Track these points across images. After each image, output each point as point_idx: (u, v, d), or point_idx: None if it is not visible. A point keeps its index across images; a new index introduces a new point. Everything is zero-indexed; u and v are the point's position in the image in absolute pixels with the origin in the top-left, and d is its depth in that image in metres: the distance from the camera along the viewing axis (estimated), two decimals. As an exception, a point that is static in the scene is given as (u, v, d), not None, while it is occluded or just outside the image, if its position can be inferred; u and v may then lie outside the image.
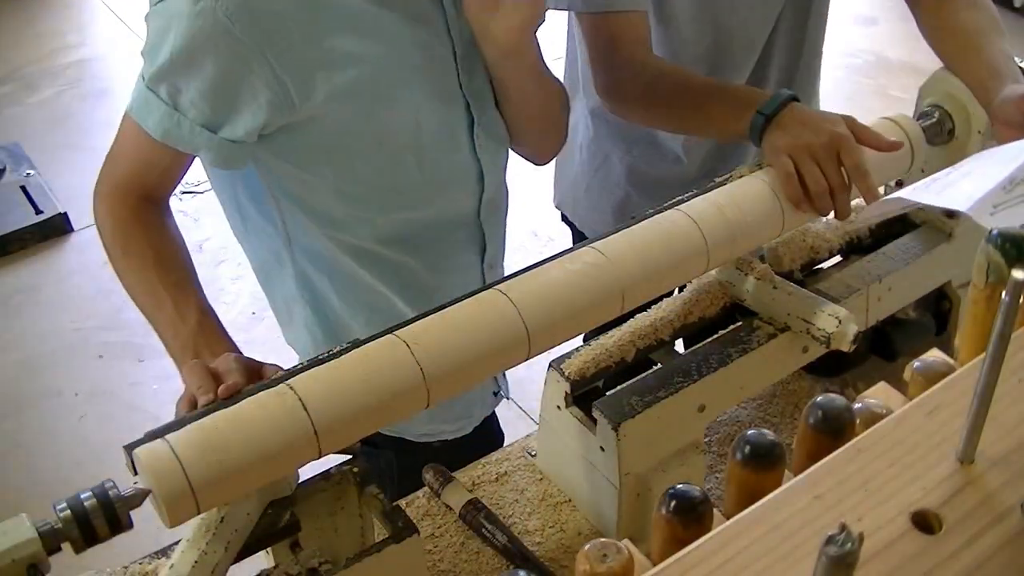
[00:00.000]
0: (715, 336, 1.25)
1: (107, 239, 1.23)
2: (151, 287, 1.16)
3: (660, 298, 1.22)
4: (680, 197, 1.19)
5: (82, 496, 0.86)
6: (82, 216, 3.41)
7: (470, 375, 0.99)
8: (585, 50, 1.51)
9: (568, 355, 1.21)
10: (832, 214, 1.23)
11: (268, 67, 1.11)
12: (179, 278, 1.18)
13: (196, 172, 1.29)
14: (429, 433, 1.49)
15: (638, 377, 1.20)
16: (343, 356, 0.96)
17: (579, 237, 1.88)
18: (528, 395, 2.52)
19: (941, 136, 1.35)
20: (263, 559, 1.04)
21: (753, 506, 0.68)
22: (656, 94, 1.42)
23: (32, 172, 3.57)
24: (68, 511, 0.85)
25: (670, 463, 1.19)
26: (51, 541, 0.84)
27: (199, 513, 0.87)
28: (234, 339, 1.14)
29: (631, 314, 1.21)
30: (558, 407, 1.22)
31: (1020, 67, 1.38)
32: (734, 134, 1.31)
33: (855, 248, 1.40)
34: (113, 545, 0.88)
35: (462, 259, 1.41)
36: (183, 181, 1.29)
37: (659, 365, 1.25)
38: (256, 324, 3.06)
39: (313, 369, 0.94)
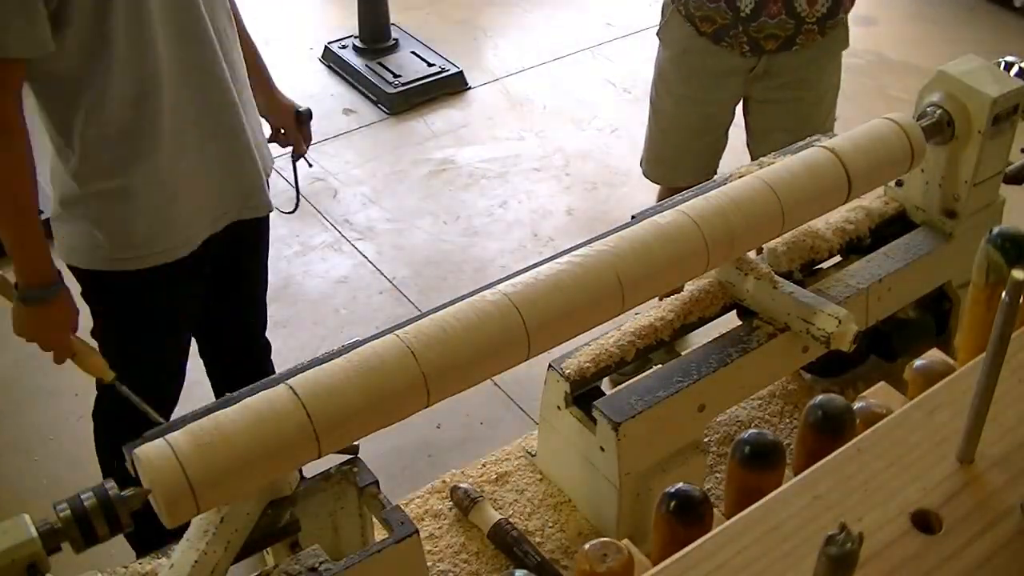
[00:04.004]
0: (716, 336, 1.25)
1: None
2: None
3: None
4: (680, 196, 1.19)
5: (82, 496, 0.86)
6: (82, 216, 3.41)
7: (470, 375, 0.99)
8: None
9: (568, 355, 1.21)
10: None
11: None
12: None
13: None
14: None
15: (638, 377, 1.20)
16: (343, 356, 0.96)
17: None
18: (528, 395, 2.53)
19: (941, 136, 1.35)
20: (263, 559, 1.05)
21: (753, 506, 0.68)
22: None
23: (32, 172, 3.58)
24: (68, 511, 0.85)
25: (670, 463, 1.19)
26: (51, 541, 0.84)
27: (199, 513, 0.87)
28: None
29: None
30: (558, 407, 1.22)
31: (1021, 67, 1.38)
32: None
33: (855, 248, 1.40)
34: (113, 545, 0.88)
35: None
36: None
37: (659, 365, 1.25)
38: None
39: (313, 369, 0.94)
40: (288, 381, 0.92)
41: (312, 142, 1.99)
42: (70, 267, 1.67)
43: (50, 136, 1.53)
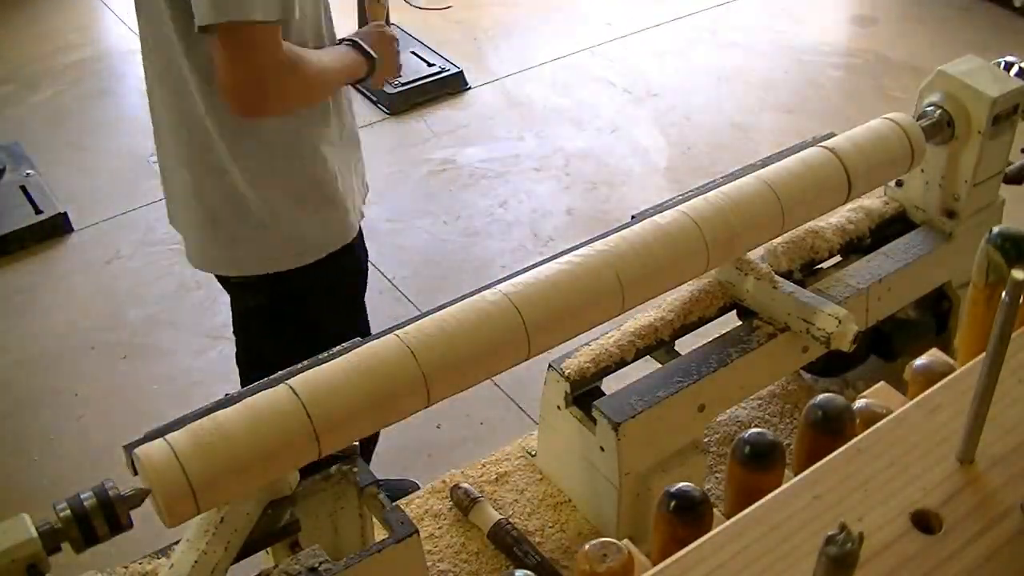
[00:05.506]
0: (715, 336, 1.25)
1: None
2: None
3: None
4: (680, 196, 1.19)
5: (82, 496, 0.86)
6: (82, 216, 3.40)
7: (470, 375, 0.99)
8: None
9: (568, 355, 1.21)
10: None
11: None
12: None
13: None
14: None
15: (638, 378, 1.20)
16: (343, 356, 0.96)
17: None
18: (528, 395, 2.52)
19: (941, 136, 1.35)
20: (263, 559, 1.04)
21: (753, 506, 0.68)
22: None
23: (32, 172, 3.56)
24: (68, 511, 0.85)
25: (670, 463, 1.19)
26: (51, 541, 0.84)
27: (199, 513, 0.87)
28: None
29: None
30: (558, 407, 1.22)
31: (1021, 67, 1.37)
32: None
33: (855, 248, 1.40)
34: (113, 545, 0.88)
35: None
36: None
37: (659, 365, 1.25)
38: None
39: (313, 369, 0.94)
40: (288, 381, 0.92)
41: None
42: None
43: None
